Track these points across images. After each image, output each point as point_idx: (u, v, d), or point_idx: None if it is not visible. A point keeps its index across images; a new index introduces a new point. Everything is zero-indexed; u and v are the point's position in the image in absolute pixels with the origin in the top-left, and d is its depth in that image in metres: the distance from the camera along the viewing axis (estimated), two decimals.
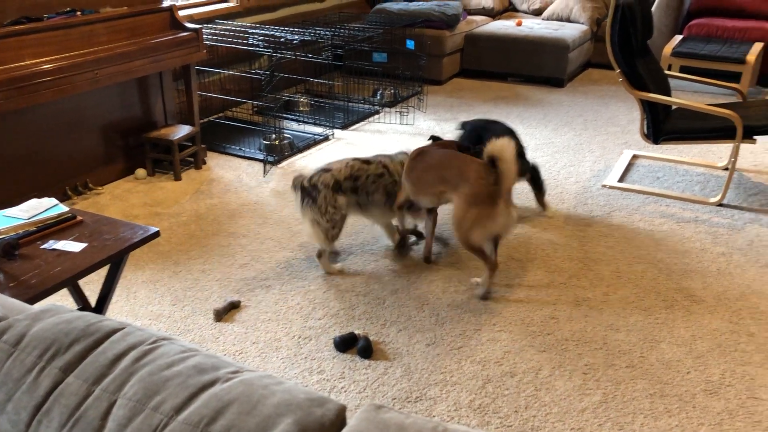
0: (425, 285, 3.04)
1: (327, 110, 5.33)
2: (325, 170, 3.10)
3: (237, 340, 2.65)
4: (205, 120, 5.09)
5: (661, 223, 3.63)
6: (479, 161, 2.81)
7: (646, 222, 3.64)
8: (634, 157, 4.57)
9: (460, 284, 3.05)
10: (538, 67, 6.33)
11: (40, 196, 3.64)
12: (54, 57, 3.41)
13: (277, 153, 4.51)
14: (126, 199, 3.87)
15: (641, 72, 3.89)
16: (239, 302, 2.87)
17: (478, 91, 6.13)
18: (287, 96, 5.46)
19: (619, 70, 3.88)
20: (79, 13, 3.62)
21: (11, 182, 3.56)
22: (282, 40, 4.48)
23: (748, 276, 3.13)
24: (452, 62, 6.46)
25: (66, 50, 3.48)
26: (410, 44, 5.34)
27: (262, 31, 4.87)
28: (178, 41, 4.00)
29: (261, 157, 4.46)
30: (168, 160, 4.17)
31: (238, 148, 4.60)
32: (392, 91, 5.79)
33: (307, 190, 3.06)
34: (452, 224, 2.91)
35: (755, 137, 3.77)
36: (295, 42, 4.45)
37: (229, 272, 3.13)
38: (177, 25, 4.11)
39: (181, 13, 4.78)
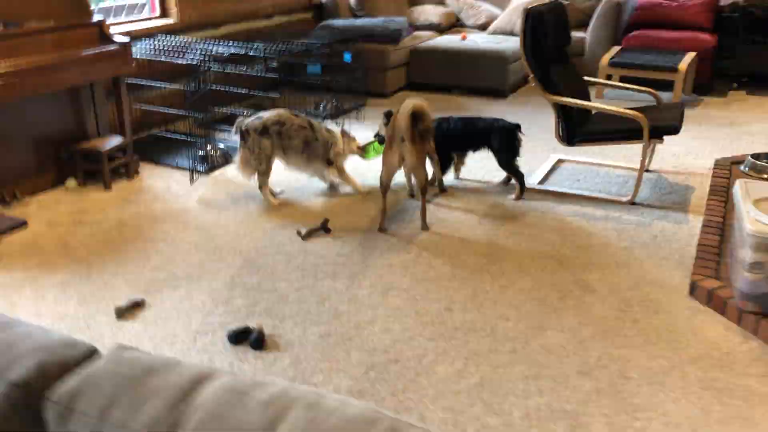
0: (329, 281, 3.13)
1: None
2: (259, 117, 3.86)
3: (134, 336, 2.71)
4: (146, 134, 5.16)
5: (571, 222, 3.74)
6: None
7: (557, 221, 3.75)
8: (559, 161, 4.70)
9: (363, 279, 3.13)
10: (481, 79, 6.48)
11: None
12: None
13: (210, 163, 4.59)
14: (52, 209, 3.94)
15: (555, 77, 4.03)
16: (143, 301, 2.94)
17: None
18: (230, 111, 5.56)
19: (532, 75, 4.01)
20: (1, 26, 3.71)
21: None
22: (212, 53, 4.59)
23: (644, 267, 3.23)
24: (397, 75, 6.60)
25: None
26: (347, 57, 5.47)
27: (199, 45, 4.98)
28: (105, 55, 4.10)
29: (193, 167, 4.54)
30: (99, 171, 4.24)
31: (172, 159, 4.68)
32: (334, 103, 5.91)
33: (242, 132, 3.84)
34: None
35: (663, 137, 3.90)
36: (224, 55, 4.56)
37: (140, 274, 3.20)
38: (106, 39, 4.22)
39: (120, 29, 4.89)
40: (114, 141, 4.33)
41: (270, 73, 4.95)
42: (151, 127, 5.20)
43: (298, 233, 3.57)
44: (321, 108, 5.84)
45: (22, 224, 2.43)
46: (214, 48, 4.86)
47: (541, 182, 4.30)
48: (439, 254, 3.38)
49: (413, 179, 3.88)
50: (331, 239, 3.55)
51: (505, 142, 4.00)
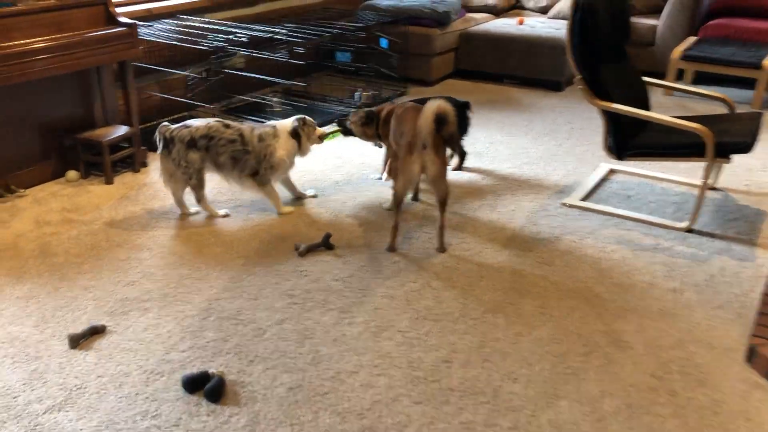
0: (318, 313, 2.72)
1: (300, 112, 5.01)
2: (186, 126, 3.35)
3: (82, 372, 2.39)
4: (161, 121, 4.83)
5: (613, 251, 3.21)
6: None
7: (596, 249, 3.23)
8: (611, 171, 4.13)
9: (357, 313, 2.71)
10: (535, 68, 5.90)
11: None
12: None
13: None
14: (46, 204, 3.67)
15: (606, 79, 3.47)
16: (104, 327, 2.61)
17: (469, 94, 5.73)
18: (256, 98, 5.20)
19: (579, 76, 3.46)
20: None
21: None
22: (230, 37, 4.21)
23: (693, 319, 2.70)
24: (444, 62, 6.09)
25: None
26: (383, 43, 5.01)
27: (220, 28, 4.62)
28: (108, 37, 3.78)
29: None
30: (101, 163, 3.95)
31: None
32: (372, 92, 5.46)
33: (167, 140, 3.34)
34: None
35: (731, 156, 3.30)
36: (243, 40, 4.17)
37: (112, 290, 2.87)
38: (112, 20, 3.89)
39: (140, 7, 4.57)
40: (119, 131, 4.02)
41: (295, 59, 4.52)
42: (171, 114, 4.87)
43: (296, 248, 3.18)
44: (356, 97, 5.40)
45: None
46: (236, 31, 4.48)
47: (586, 197, 3.76)
48: (450, 285, 2.92)
49: (426, 188, 3.55)
50: (331, 258, 3.14)
51: None
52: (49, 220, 3.49)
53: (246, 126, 3.46)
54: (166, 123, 3.40)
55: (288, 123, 3.50)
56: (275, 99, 5.27)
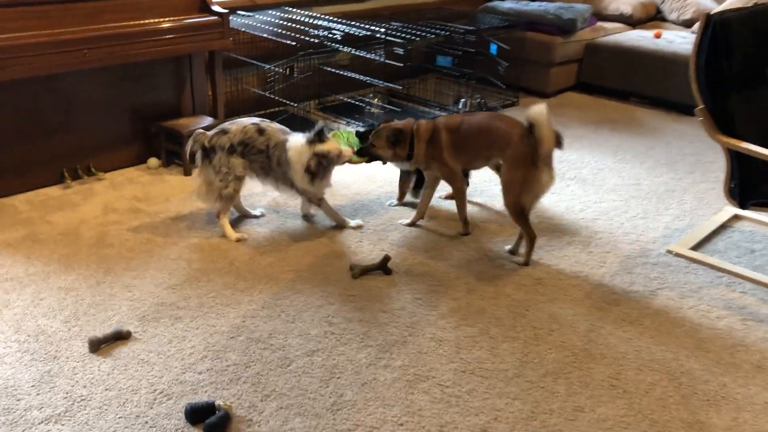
0: (354, 348, 2.44)
1: (397, 115, 4.75)
2: (224, 131, 3.11)
3: (92, 382, 2.25)
4: (255, 114, 4.72)
5: (718, 318, 2.68)
6: (521, 124, 2.86)
7: (698, 312, 2.72)
8: (735, 218, 3.53)
9: (397, 355, 2.40)
10: (667, 88, 5.27)
11: (34, 175, 3.52)
12: (36, 32, 3.20)
13: None
14: (120, 190, 3.64)
15: (735, 111, 2.92)
16: (129, 333, 2.47)
17: (588, 110, 5.23)
18: (346, 99, 4.98)
19: (701, 106, 2.94)
20: None
21: (9, 157, 3.46)
22: (323, 34, 4.00)
23: None
24: (564, 73, 5.59)
25: (56, 26, 3.26)
26: (493, 49, 4.62)
27: (320, 23, 4.43)
28: (199, 26, 3.68)
29: None
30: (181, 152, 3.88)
31: None
32: (479, 100, 5.09)
33: (207, 150, 3.10)
34: (502, 189, 2.95)
35: None
36: (336, 37, 3.95)
37: (152, 292, 2.74)
38: (205, 8, 3.79)
39: None
40: (203, 122, 3.93)
41: (394, 59, 4.25)
42: (265, 107, 4.75)
43: (351, 269, 2.91)
44: (460, 104, 5.05)
45: None
46: (335, 26, 4.27)
47: (698, 246, 3.22)
48: (511, 335, 2.54)
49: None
50: (385, 284, 2.84)
51: None
52: (117, 208, 3.43)
53: (275, 137, 3.10)
54: (201, 130, 3.15)
55: (295, 150, 3.03)
56: (375, 100, 5.03)
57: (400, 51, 4.23)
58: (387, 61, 4.24)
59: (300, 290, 2.78)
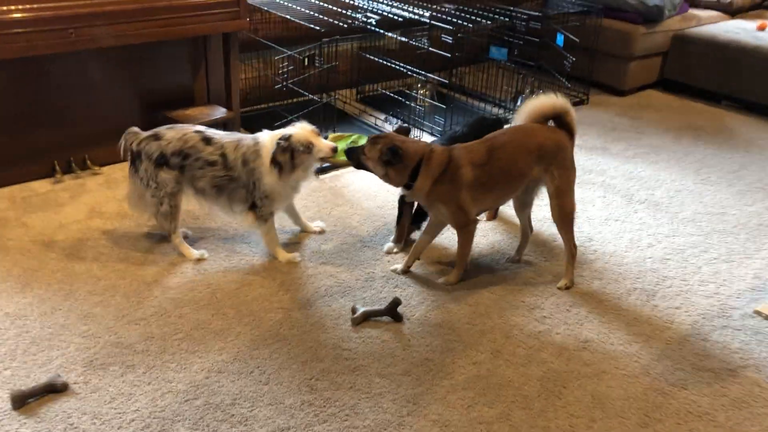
0: (335, 427, 1.92)
1: (445, 111, 4.13)
2: (156, 137, 2.57)
3: None
4: (281, 103, 4.19)
5: None
6: (547, 126, 2.52)
7: None
8: None
9: None
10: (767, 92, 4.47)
11: (22, 167, 3.15)
12: (14, 6, 2.77)
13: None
14: (114, 188, 3.22)
15: None
16: (65, 386, 2.03)
17: (669, 113, 4.50)
18: (381, 91, 4.41)
19: None
20: None
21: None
22: (358, 16, 3.45)
23: None
24: (645, 68, 4.85)
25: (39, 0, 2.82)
26: (560, 40, 3.95)
27: (360, 4, 3.86)
28: (204, 4, 3.18)
29: None
30: None
31: None
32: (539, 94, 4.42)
33: (134, 154, 2.59)
34: (557, 199, 2.51)
35: None
36: (370, 21, 3.39)
37: (111, 327, 2.29)
38: None
39: None
40: (215, 113, 3.47)
41: (439, 48, 3.66)
42: (292, 96, 4.24)
43: (353, 312, 2.38)
44: (519, 101, 4.41)
45: None
46: (375, 8, 3.70)
47: None
48: (542, 424, 1.97)
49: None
50: (391, 335, 2.31)
51: None
52: (104, 211, 3.02)
53: (232, 141, 2.56)
54: (135, 129, 2.64)
55: (268, 140, 2.55)
56: (421, 92, 4.44)
57: (449, 39, 3.63)
58: (431, 49, 3.64)
59: (285, 337, 2.28)
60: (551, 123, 2.55)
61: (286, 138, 2.49)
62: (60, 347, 2.19)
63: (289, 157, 2.50)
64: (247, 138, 2.60)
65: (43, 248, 2.72)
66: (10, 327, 2.27)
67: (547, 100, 2.50)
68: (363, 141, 2.93)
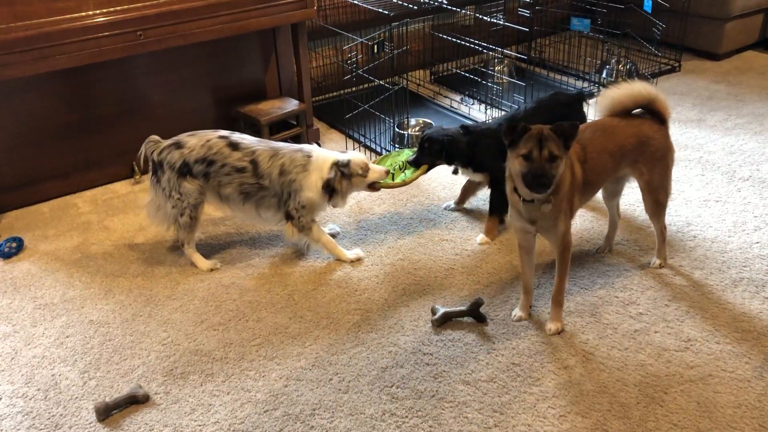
0: None
1: (525, 88, 3.92)
2: (178, 145, 2.48)
3: None
4: (353, 89, 4.09)
5: None
6: (627, 121, 2.26)
7: None
8: None
9: None
10: None
11: (105, 168, 3.20)
12: (83, 14, 2.78)
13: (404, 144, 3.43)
14: None
15: None
16: (147, 397, 2.02)
17: (761, 79, 4.12)
18: (455, 70, 4.22)
19: None
20: None
21: (72, 152, 3.15)
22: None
23: None
24: (744, 28, 4.47)
25: (105, 5, 2.82)
26: (647, 5, 3.66)
27: None
28: None
29: (381, 148, 3.43)
30: None
31: (358, 132, 3.60)
32: (630, 65, 4.16)
33: (155, 164, 2.51)
34: (649, 193, 2.33)
35: None
36: (429, 4, 3.23)
37: (189, 334, 2.28)
38: None
39: None
40: (287, 106, 3.41)
41: (516, 23, 3.46)
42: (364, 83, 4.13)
43: (432, 313, 2.28)
44: (605, 72, 4.14)
45: None
46: None
47: None
48: None
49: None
50: (475, 338, 2.19)
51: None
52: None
53: (266, 149, 2.49)
54: (156, 137, 2.55)
55: (327, 161, 2.48)
56: (497, 69, 4.24)
57: (526, 12, 3.42)
58: (507, 24, 3.45)
59: (363, 341, 2.20)
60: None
61: (346, 164, 2.47)
62: (141, 356, 2.19)
63: (346, 184, 2.49)
64: (288, 148, 2.53)
65: (125, 252, 2.75)
66: (94, 335, 2.29)
67: (626, 92, 2.25)
68: (404, 157, 2.82)
